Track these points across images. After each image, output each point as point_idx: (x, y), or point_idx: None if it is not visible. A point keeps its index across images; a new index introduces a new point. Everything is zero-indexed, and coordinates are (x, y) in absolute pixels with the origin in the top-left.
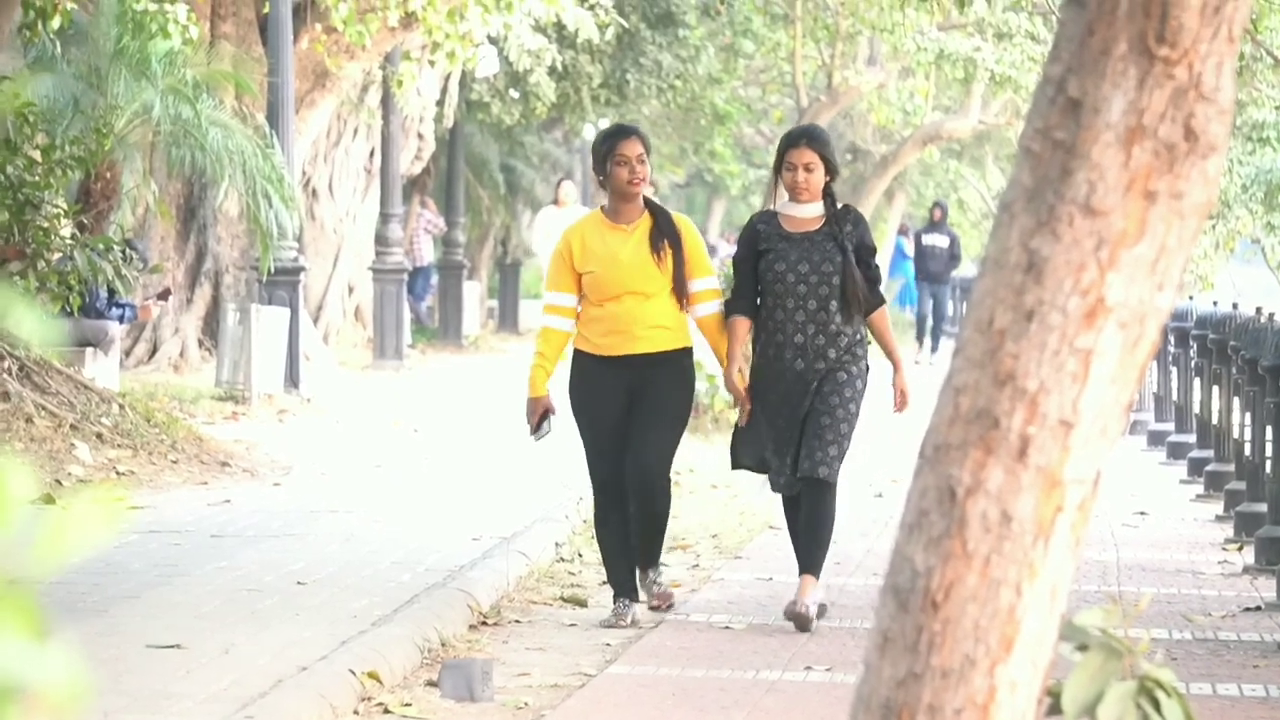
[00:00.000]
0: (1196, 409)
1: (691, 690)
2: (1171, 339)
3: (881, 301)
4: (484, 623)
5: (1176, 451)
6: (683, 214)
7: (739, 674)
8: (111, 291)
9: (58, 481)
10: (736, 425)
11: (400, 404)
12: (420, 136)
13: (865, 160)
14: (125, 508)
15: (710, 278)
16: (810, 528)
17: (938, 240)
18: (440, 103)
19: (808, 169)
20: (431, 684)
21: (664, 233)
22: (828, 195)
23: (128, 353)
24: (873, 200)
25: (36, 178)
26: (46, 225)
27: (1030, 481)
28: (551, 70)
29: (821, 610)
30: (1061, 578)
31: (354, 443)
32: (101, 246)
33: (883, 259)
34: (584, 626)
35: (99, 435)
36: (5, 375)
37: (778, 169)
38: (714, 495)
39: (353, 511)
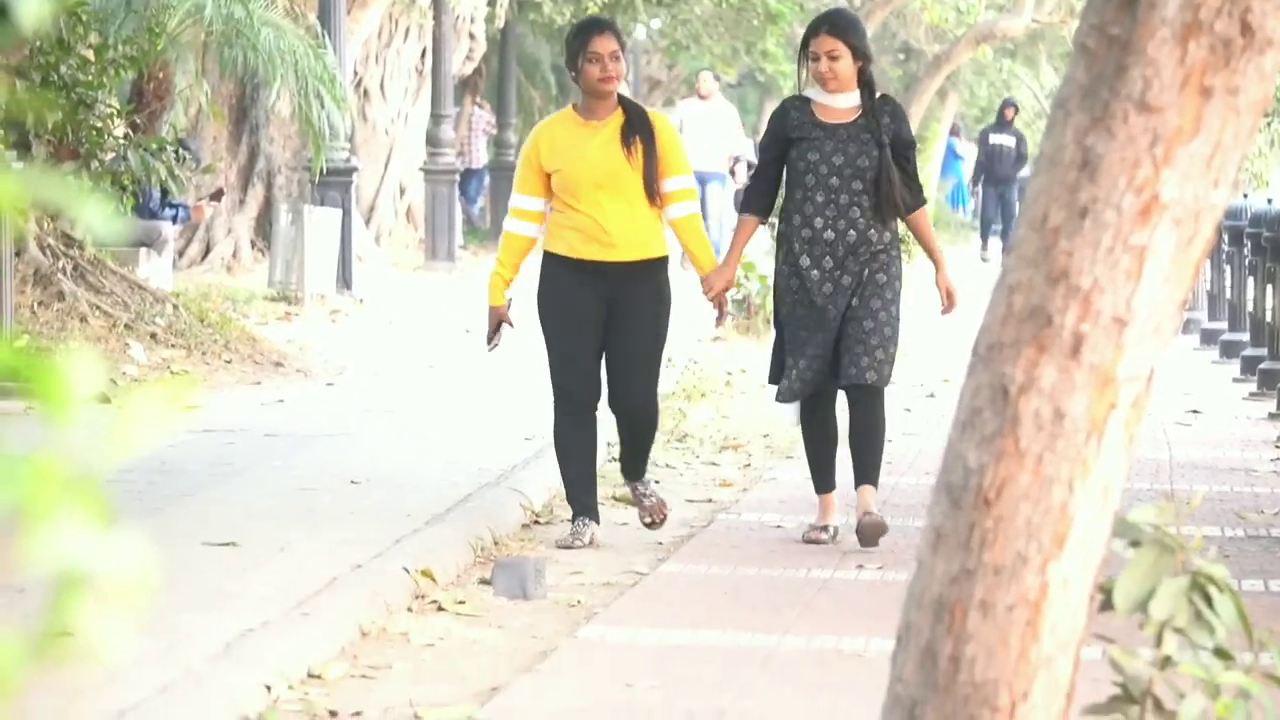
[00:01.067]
0: (1250, 307)
1: (743, 589)
2: (1226, 237)
3: (923, 201)
4: (536, 521)
5: (1229, 350)
6: (659, 112)
7: (790, 572)
8: (164, 192)
9: (112, 381)
10: (775, 342)
11: (452, 304)
12: (472, 37)
13: (918, 59)
14: (186, 405)
15: (685, 177)
16: (865, 438)
17: (1005, 140)
18: (491, 3)
19: (831, 57)
20: (485, 582)
21: (635, 129)
22: (865, 85)
23: (181, 253)
24: (925, 100)
25: (89, 77)
26: (100, 125)
27: (1083, 379)
28: None
29: (835, 532)
30: (1114, 475)
31: (406, 343)
32: (154, 146)
33: (934, 159)
34: (635, 525)
35: (153, 335)
36: (60, 275)
37: (804, 59)
38: (765, 395)
39: (406, 412)
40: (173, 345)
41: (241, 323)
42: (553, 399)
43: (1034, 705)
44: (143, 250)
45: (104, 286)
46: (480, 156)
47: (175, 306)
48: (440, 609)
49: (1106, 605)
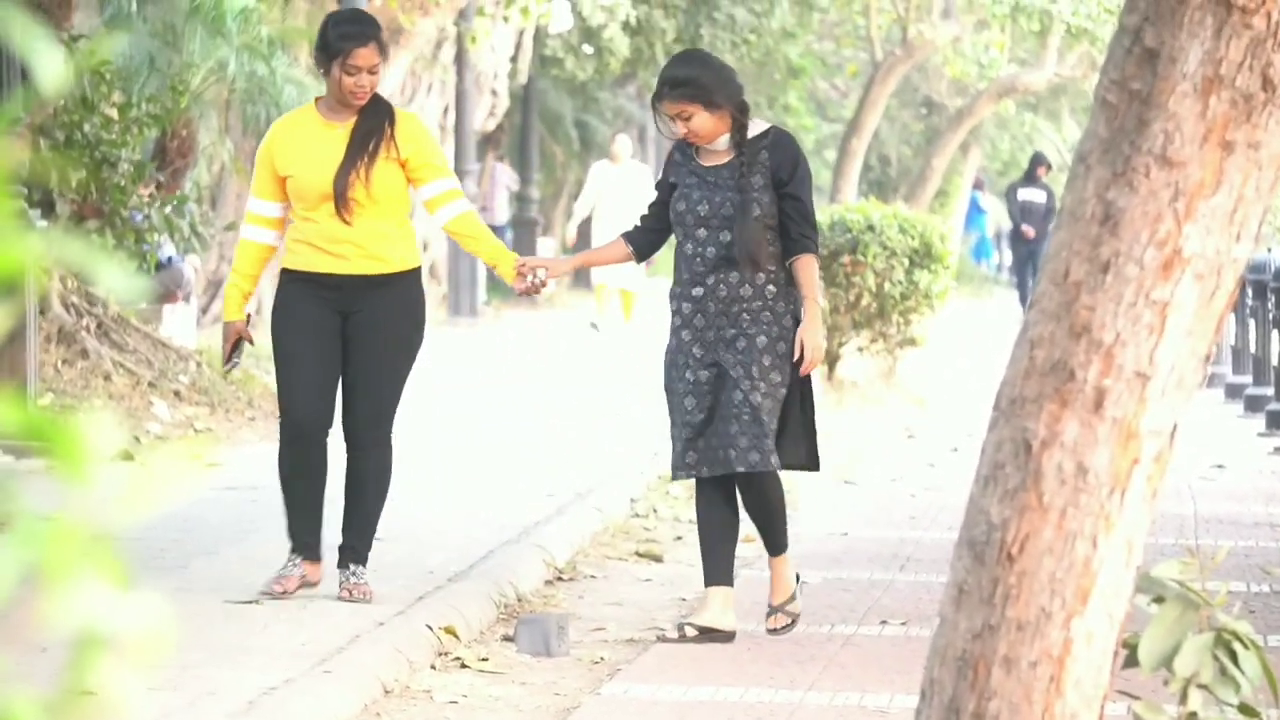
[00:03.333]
0: (1275, 361)
1: (766, 645)
2: (1249, 291)
3: (810, 247)
4: (560, 578)
5: (1254, 404)
6: (409, 112)
7: (814, 629)
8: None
9: (136, 439)
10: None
11: (475, 359)
12: (494, 93)
13: (940, 113)
14: (204, 463)
15: (447, 179)
16: (759, 520)
17: (1035, 195)
18: (514, 59)
19: (683, 119)
20: (508, 639)
21: (370, 128)
22: (735, 126)
23: (205, 310)
24: (948, 154)
25: (113, 136)
26: (123, 183)
27: (1106, 434)
28: (625, 25)
29: (709, 634)
30: (1137, 530)
31: (428, 399)
32: (177, 203)
33: (957, 213)
34: (659, 581)
35: (176, 393)
36: (84, 333)
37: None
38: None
39: (428, 467)
40: (196, 402)
41: (265, 379)
42: (280, 434)
43: None
44: (166, 307)
45: (127, 344)
46: (502, 212)
47: (198, 364)
48: (463, 666)
49: (1131, 661)
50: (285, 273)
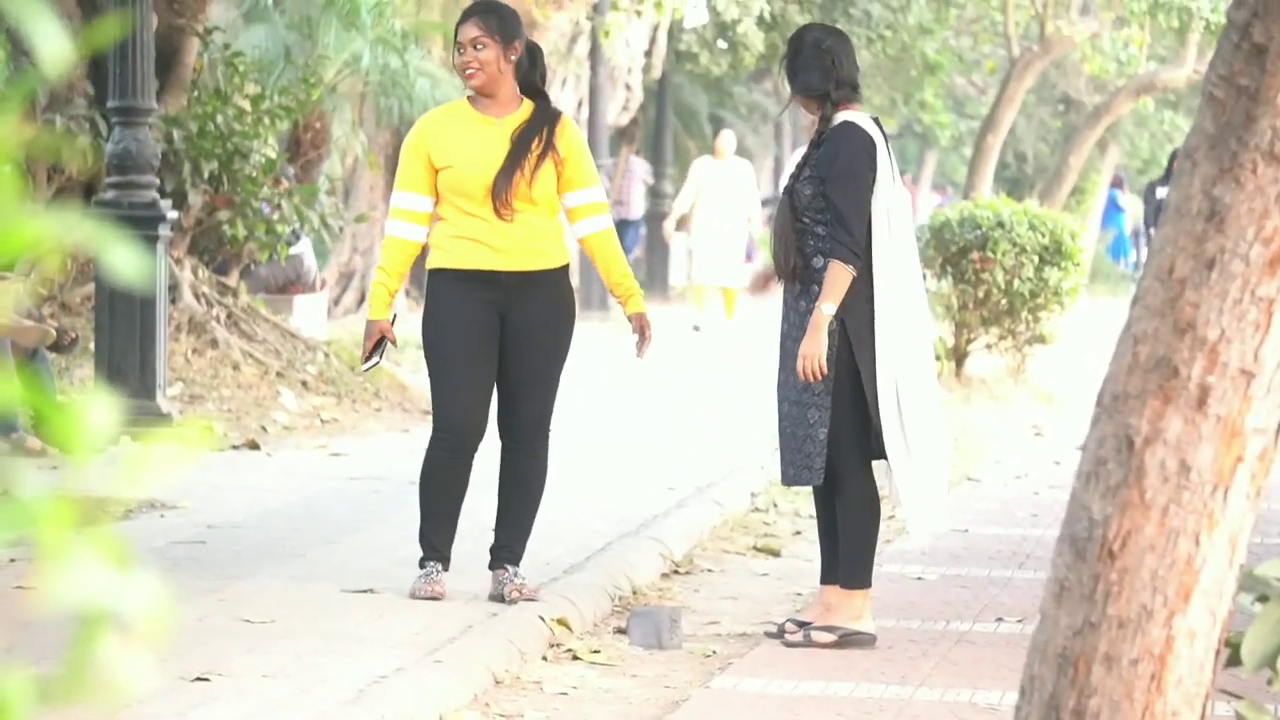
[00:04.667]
0: None
1: (881, 640)
2: None
3: (835, 251)
4: (676, 571)
5: None
6: (569, 117)
7: (929, 625)
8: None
9: (263, 428)
10: None
11: (606, 353)
12: (628, 87)
13: (1078, 111)
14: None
15: (595, 189)
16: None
17: None
18: (648, 53)
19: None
20: (620, 631)
21: (536, 130)
22: (822, 118)
23: (336, 301)
24: (1085, 151)
25: (246, 127)
26: (254, 174)
27: (1210, 431)
28: (760, 20)
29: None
30: (1241, 528)
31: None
32: (309, 195)
33: (1095, 210)
34: (776, 576)
35: (304, 383)
36: (214, 323)
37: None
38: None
39: (551, 460)
40: (323, 393)
41: (393, 371)
42: (432, 430)
43: None
44: (297, 298)
45: (256, 334)
46: (638, 207)
47: (326, 355)
48: (575, 658)
49: (1233, 660)
50: (439, 273)
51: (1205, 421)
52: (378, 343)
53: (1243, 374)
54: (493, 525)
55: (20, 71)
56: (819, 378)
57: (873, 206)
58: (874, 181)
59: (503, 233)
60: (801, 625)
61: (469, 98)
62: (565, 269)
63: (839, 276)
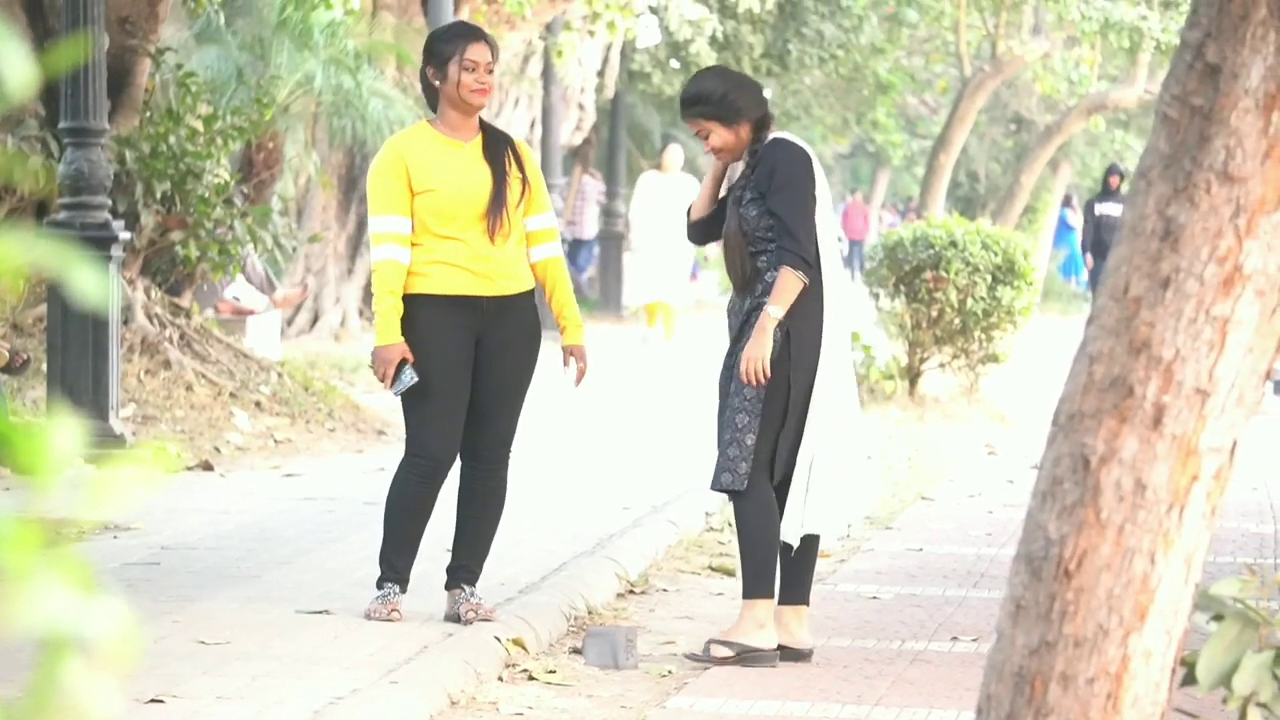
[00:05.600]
0: None
1: (836, 660)
2: None
3: (784, 258)
4: (631, 591)
5: None
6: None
7: (884, 644)
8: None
9: (216, 449)
10: None
11: (556, 374)
12: (581, 107)
13: (1030, 130)
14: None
15: (550, 215)
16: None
17: (1112, 209)
18: (601, 73)
19: (703, 136)
20: (576, 651)
21: (501, 147)
22: (756, 142)
23: (290, 321)
24: (1037, 170)
25: (198, 147)
26: (207, 195)
27: (1165, 450)
28: (712, 40)
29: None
30: (1197, 547)
31: None
32: (260, 215)
33: (1046, 229)
34: (731, 595)
35: (257, 403)
36: (167, 344)
37: None
38: (867, 466)
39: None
40: (277, 413)
41: (346, 391)
42: (405, 455)
43: None
44: (249, 319)
45: (210, 355)
46: (591, 226)
47: (280, 375)
48: (531, 678)
49: (1189, 679)
50: (417, 298)
51: (1161, 441)
52: (399, 365)
53: (1198, 393)
54: (448, 545)
55: None
56: (762, 381)
57: (816, 220)
58: (814, 190)
59: (483, 258)
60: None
61: (429, 121)
62: (534, 292)
63: (789, 282)
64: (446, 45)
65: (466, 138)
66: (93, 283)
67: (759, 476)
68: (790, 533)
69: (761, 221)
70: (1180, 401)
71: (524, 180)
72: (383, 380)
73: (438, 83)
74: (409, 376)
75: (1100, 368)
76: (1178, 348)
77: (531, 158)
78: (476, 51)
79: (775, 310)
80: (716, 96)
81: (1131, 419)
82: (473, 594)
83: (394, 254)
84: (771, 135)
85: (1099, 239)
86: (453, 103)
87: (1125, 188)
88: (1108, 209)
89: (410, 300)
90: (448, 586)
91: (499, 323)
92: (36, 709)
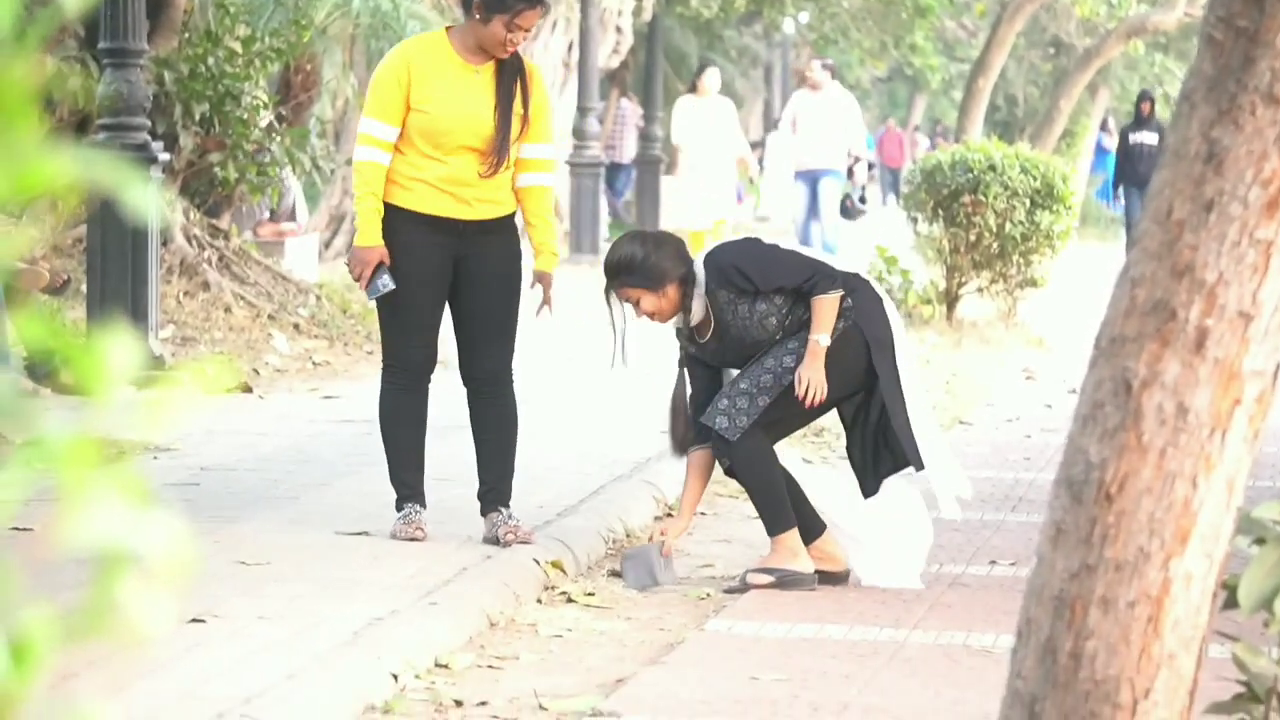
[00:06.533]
0: None
1: (874, 583)
2: None
3: (815, 289)
4: (669, 514)
5: None
6: (534, 64)
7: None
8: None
9: (255, 371)
10: None
11: (594, 298)
12: (619, 30)
13: (1068, 54)
14: (233, 380)
15: (548, 145)
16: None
17: (1147, 137)
18: None
19: (633, 303)
20: (614, 574)
21: (513, 78)
22: (686, 297)
23: (327, 244)
24: (1075, 94)
25: (236, 69)
26: (246, 116)
27: (1207, 374)
28: None
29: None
30: (1238, 471)
31: (546, 336)
32: (299, 137)
33: (1084, 154)
34: None
35: (295, 326)
36: (205, 265)
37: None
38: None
39: (541, 404)
40: (315, 336)
41: None
42: (383, 369)
43: (1156, 703)
44: (288, 241)
45: (248, 277)
46: (629, 150)
47: (318, 298)
48: (570, 600)
49: (1230, 603)
50: (394, 210)
51: (1203, 364)
52: (376, 267)
53: (1241, 316)
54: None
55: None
56: (818, 404)
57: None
58: (770, 247)
59: (467, 184)
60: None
61: (449, 31)
62: (514, 215)
63: (825, 306)
64: (519, 9)
65: (479, 62)
66: (143, 199)
67: (757, 432)
68: (952, 505)
69: (775, 325)
70: (1223, 325)
71: (525, 115)
72: (358, 281)
73: (478, 16)
74: (385, 281)
75: (1142, 291)
76: (1220, 271)
77: (541, 86)
78: (528, 18)
79: (824, 339)
80: (638, 262)
81: (1174, 342)
82: (510, 516)
83: (374, 156)
84: (701, 269)
85: (1133, 169)
86: (482, 41)
87: (1161, 113)
88: (1141, 137)
89: (389, 210)
90: (483, 512)
91: (478, 243)
92: (93, 623)
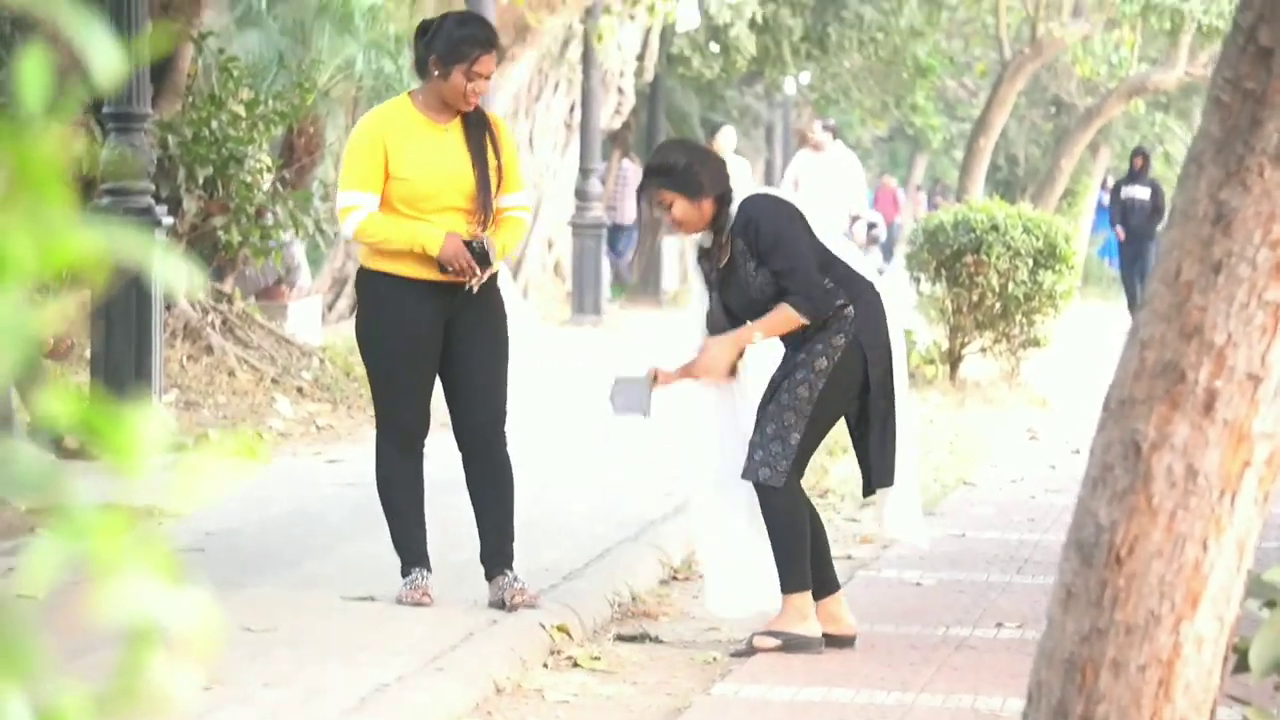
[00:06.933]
0: None
1: (880, 645)
2: None
3: (789, 299)
4: (675, 577)
5: None
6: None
7: (929, 630)
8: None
9: (259, 434)
10: None
11: (598, 358)
12: (620, 91)
13: (1069, 113)
14: (262, 454)
15: (523, 192)
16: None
17: (1138, 192)
18: (640, 57)
19: (664, 206)
20: (621, 638)
21: (482, 133)
22: (719, 219)
23: (330, 307)
24: (1077, 153)
25: (240, 133)
26: (249, 179)
27: (1217, 436)
28: (752, 23)
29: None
30: (1249, 533)
31: (551, 396)
32: (301, 200)
33: (1086, 213)
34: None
35: (299, 389)
36: (209, 329)
37: None
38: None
39: (547, 465)
40: (319, 399)
41: None
42: (378, 435)
43: None
44: (291, 304)
45: (252, 340)
46: (631, 211)
47: (321, 360)
48: (576, 665)
49: (1241, 666)
50: (384, 278)
51: (1212, 426)
52: (470, 246)
53: (1250, 378)
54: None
55: (68, 82)
56: (702, 377)
57: (822, 243)
58: (801, 228)
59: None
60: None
61: (411, 95)
62: (497, 275)
63: (785, 317)
64: (460, 46)
65: (446, 120)
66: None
67: (793, 475)
68: (919, 534)
69: (771, 284)
70: (1232, 387)
71: (499, 165)
72: (467, 270)
73: (436, 73)
74: (480, 250)
75: (1152, 353)
76: (1229, 332)
77: (508, 135)
78: (486, 64)
79: (758, 336)
80: (680, 168)
81: (1183, 404)
82: (515, 579)
83: (366, 207)
84: (741, 198)
85: (1125, 224)
86: (444, 97)
87: (1161, 171)
88: (1133, 192)
89: (377, 276)
90: (488, 575)
91: (464, 303)
92: (122, 697)
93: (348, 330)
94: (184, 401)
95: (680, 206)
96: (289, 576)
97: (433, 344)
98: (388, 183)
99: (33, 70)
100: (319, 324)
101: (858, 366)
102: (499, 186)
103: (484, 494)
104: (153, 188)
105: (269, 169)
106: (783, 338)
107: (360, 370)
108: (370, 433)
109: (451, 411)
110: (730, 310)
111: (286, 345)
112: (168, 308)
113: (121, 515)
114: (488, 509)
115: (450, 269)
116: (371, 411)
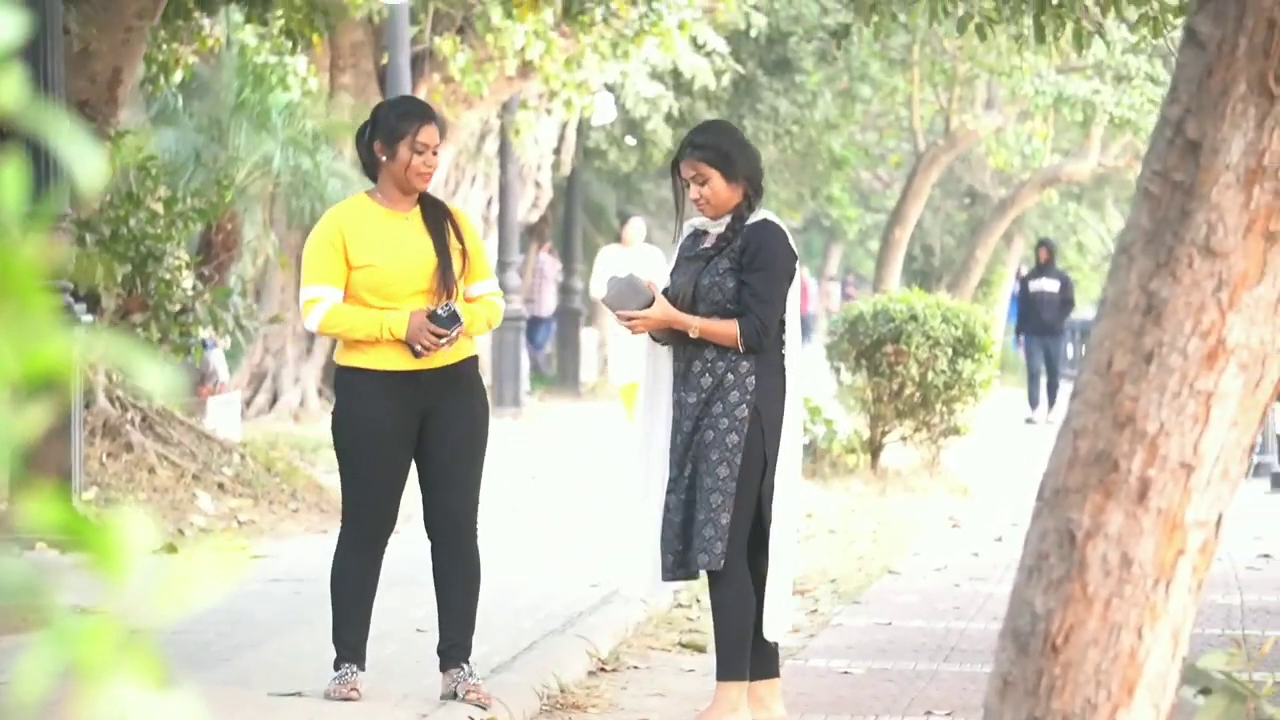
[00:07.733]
0: None
1: None
2: None
3: (743, 316)
4: (603, 669)
5: None
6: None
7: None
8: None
9: (180, 531)
10: None
11: (518, 451)
12: (538, 184)
13: (984, 204)
14: (246, 558)
15: (490, 281)
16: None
17: (1047, 285)
18: (557, 151)
19: (699, 182)
20: None
21: (441, 217)
22: (743, 207)
23: (249, 402)
24: (991, 244)
25: (158, 230)
26: (168, 277)
27: (1151, 525)
28: (668, 117)
29: None
30: (1183, 621)
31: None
32: (220, 296)
33: (1000, 303)
34: (703, 671)
35: (220, 485)
36: (129, 426)
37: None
38: (832, 540)
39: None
40: (240, 495)
41: (308, 471)
42: (342, 528)
43: None
44: (210, 400)
45: (172, 437)
46: (549, 303)
47: (242, 456)
48: None
49: None
50: (354, 372)
51: (1146, 515)
52: (432, 317)
53: (1183, 467)
54: (419, 626)
55: (45, 191)
56: (635, 330)
57: (787, 304)
58: (791, 275)
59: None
60: None
61: (369, 193)
62: (475, 359)
63: (729, 331)
64: (400, 123)
65: (406, 209)
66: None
67: (735, 556)
68: (778, 628)
69: (732, 294)
70: (1165, 475)
71: (463, 250)
72: (434, 346)
73: (384, 158)
74: (447, 314)
75: (1085, 442)
76: (1162, 422)
77: (470, 226)
78: (428, 134)
79: (694, 330)
80: (723, 147)
81: (1117, 493)
82: (471, 674)
83: (328, 300)
84: (759, 215)
85: (1034, 317)
86: (397, 181)
87: (1073, 260)
88: (1041, 285)
89: (353, 373)
90: (443, 667)
91: (441, 394)
92: None
93: (268, 425)
94: (104, 499)
95: (716, 184)
96: (216, 673)
97: (406, 440)
98: (351, 274)
99: (11, 178)
100: (239, 420)
101: (758, 439)
102: (465, 272)
103: (451, 584)
104: (70, 286)
105: (188, 266)
106: (676, 355)
107: (281, 465)
108: (292, 527)
109: (424, 500)
110: (678, 294)
111: (207, 441)
112: (86, 405)
113: (109, 622)
114: (453, 599)
115: (420, 346)
116: (293, 506)
